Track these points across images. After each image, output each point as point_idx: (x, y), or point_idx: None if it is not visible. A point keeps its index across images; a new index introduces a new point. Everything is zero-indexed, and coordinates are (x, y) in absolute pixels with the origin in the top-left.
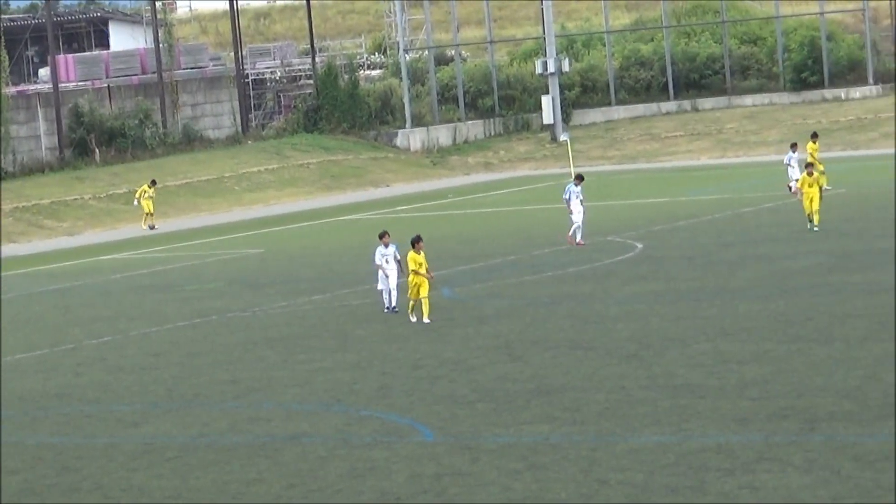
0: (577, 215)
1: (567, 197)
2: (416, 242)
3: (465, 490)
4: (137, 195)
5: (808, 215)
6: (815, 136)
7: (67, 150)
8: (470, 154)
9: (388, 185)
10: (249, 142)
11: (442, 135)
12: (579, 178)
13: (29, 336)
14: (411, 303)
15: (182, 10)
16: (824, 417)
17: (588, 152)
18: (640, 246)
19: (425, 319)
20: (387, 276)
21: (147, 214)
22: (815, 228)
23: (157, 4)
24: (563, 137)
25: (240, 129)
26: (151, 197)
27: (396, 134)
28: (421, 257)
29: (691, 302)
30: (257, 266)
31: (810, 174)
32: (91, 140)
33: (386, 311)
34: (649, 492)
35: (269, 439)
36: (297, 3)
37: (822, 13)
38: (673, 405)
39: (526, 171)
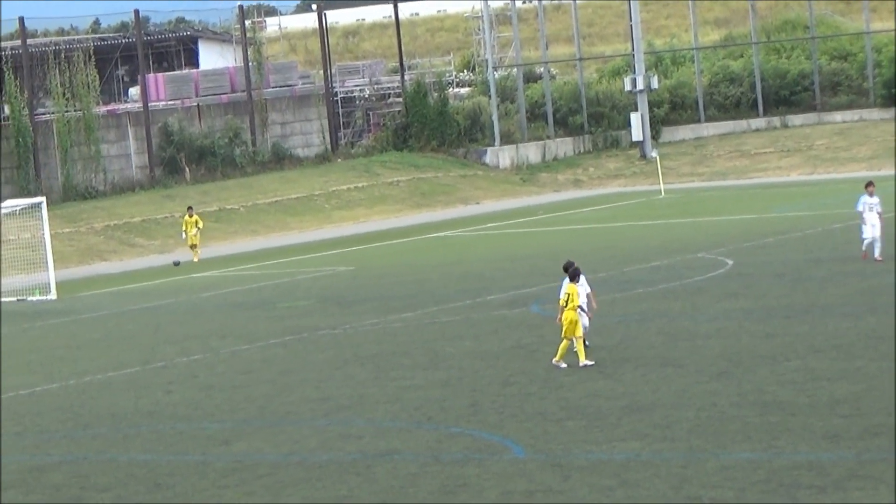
0: (872, 228)
1: (860, 209)
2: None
3: None
4: (185, 226)
5: None
6: None
7: (158, 169)
8: (559, 171)
9: (478, 203)
10: (339, 160)
11: (531, 152)
12: (870, 185)
13: (120, 354)
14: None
15: (271, 28)
16: None
17: (678, 169)
18: (730, 262)
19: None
20: None
21: (191, 246)
22: None
23: (247, 23)
24: (652, 154)
25: (329, 147)
26: (197, 226)
27: (486, 151)
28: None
29: (781, 319)
30: (348, 284)
31: None
32: (181, 159)
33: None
34: None
35: (360, 456)
36: (386, 20)
37: None
38: (763, 422)
39: (616, 189)
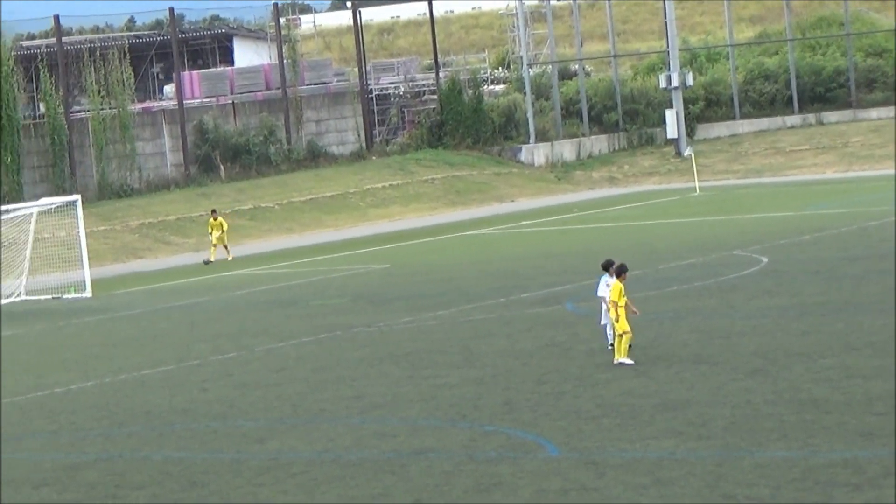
0: None
1: None
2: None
3: None
4: (210, 229)
5: None
6: None
7: (192, 167)
8: (594, 169)
9: (513, 200)
10: (373, 157)
11: (566, 150)
12: None
13: (155, 352)
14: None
15: (306, 25)
16: None
17: (713, 166)
18: (765, 260)
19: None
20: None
21: (213, 246)
22: None
23: (282, 20)
24: (687, 152)
25: (364, 144)
26: (222, 228)
27: (520, 149)
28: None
29: (817, 316)
30: (382, 281)
31: None
32: (216, 156)
33: (610, 348)
34: None
35: (395, 455)
36: (420, 18)
37: None
38: (799, 420)
39: (650, 186)
